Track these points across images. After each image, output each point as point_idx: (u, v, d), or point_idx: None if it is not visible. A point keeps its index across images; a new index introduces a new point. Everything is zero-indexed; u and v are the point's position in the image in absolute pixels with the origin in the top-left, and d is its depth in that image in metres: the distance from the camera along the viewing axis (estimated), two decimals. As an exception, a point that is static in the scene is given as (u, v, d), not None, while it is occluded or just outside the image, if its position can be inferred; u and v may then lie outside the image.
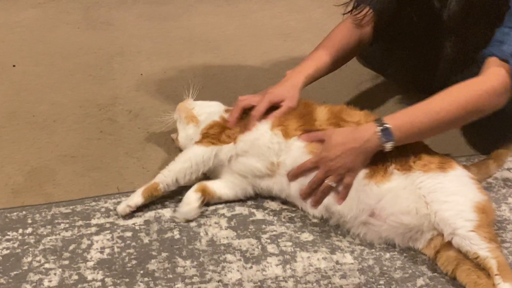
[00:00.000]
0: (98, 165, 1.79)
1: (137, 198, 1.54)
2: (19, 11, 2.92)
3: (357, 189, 1.47)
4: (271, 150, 1.54)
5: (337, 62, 1.78)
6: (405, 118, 1.47)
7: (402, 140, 1.45)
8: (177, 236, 1.50)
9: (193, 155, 1.57)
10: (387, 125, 1.44)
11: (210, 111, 1.70)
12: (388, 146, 1.45)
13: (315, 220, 1.57)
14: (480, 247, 1.32)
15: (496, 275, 1.28)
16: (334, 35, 1.79)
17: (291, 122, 1.56)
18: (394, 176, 1.45)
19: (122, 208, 1.55)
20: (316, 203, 1.52)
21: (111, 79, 2.31)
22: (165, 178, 1.55)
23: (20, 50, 2.53)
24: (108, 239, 1.49)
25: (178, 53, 2.53)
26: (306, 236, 1.52)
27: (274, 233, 1.53)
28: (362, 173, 1.47)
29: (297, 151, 1.53)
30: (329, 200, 1.50)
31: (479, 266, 1.33)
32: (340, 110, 1.58)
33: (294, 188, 1.54)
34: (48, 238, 1.49)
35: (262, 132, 1.56)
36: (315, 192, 1.51)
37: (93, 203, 1.62)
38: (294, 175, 1.53)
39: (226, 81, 2.29)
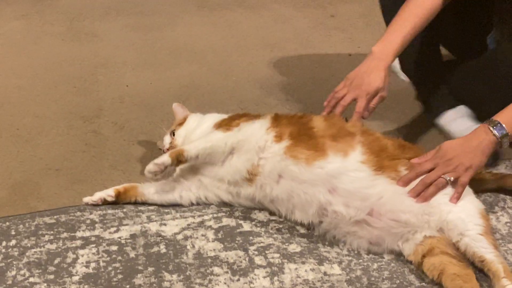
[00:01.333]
0: (83, 178, 1.79)
1: (165, 158, 1.55)
2: (2, 23, 2.92)
3: (364, 186, 1.47)
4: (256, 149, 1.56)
5: (419, 28, 1.69)
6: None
7: None
8: (164, 250, 1.50)
9: (215, 138, 1.59)
10: (496, 121, 1.48)
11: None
12: (504, 139, 1.47)
13: (302, 231, 1.57)
14: (488, 251, 1.37)
15: (503, 277, 1.33)
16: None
17: (288, 127, 1.58)
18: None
19: (150, 167, 1.55)
20: (426, 199, 1.46)
21: (95, 90, 2.31)
22: (190, 150, 1.57)
23: (2, 63, 2.52)
24: (93, 253, 1.49)
25: (163, 64, 2.54)
26: (294, 247, 1.52)
27: (261, 244, 1.53)
28: (370, 169, 1.48)
29: (276, 154, 1.54)
30: (327, 198, 1.49)
31: (466, 271, 1.37)
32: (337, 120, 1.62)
33: (280, 191, 1.54)
34: (33, 250, 1.49)
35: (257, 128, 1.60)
36: (426, 189, 1.46)
37: (78, 213, 1.61)
38: (409, 180, 1.48)
39: (212, 92, 2.30)
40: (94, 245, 1.51)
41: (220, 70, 2.49)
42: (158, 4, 3.19)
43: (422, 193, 1.46)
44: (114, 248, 1.51)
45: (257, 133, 1.58)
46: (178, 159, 1.57)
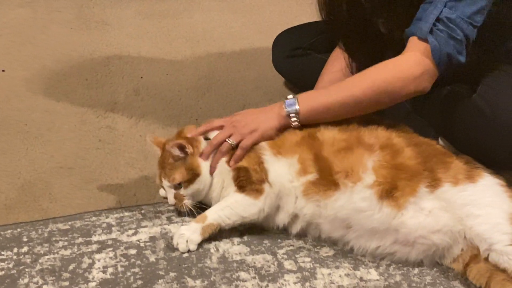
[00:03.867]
0: (97, 177, 1.80)
1: (195, 238, 1.53)
2: (6, 11, 2.94)
3: (383, 222, 1.45)
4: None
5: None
6: (313, 92, 1.63)
7: (306, 110, 1.55)
8: (186, 254, 1.51)
9: (248, 213, 1.56)
10: (294, 97, 1.56)
11: None
12: (291, 110, 1.54)
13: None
14: None
15: None
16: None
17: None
18: (423, 200, 1.44)
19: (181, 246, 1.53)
20: (214, 165, 1.57)
21: (108, 83, 2.32)
22: (223, 224, 1.55)
23: (8, 54, 2.54)
24: (110, 257, 1.50)
25: (180, 53, 2.55)
26: (326, 251, 1.52)
27: (291, 248, 1.53)
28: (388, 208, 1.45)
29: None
30: (343, 234, 1.49)
31: None
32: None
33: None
34: (46, 257, 1.50)
35: None
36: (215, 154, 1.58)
37: (94, 218, 1.62)
38: (208, 153, 1.58)
39: (234, 83, 2.30)
40: (111, 249, 1.52)
41: (241, 59, 2.49)
42: (173, -11, 3.20)
43: (213, 159, 1.58)
44: (133, 251, 1.51)
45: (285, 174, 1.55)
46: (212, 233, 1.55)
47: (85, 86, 2.30)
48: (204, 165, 1.58)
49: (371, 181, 1.45)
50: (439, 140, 1.76)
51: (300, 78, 2.15)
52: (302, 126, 1.57)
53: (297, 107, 1.55)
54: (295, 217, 1.54)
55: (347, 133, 1.54)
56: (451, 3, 1.47)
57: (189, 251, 1.51)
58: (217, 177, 1.58)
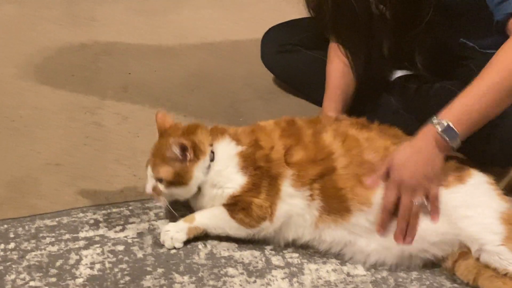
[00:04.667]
0: (85, 173, 1.80)
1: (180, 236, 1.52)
2: (-7, 7, 2.94)
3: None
4: None
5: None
6: (461, 107, 1.43)
7: (467, 131, 1.42)
8: (173, 251, 1.51)
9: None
10: (445, 122, 1.41)
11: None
12: (455, 143, 1.42)
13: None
14: (511, 262, 1.34)
15: None
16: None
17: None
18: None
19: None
20: (412, 236, 1.41)
21: (97, 79, 2.32)
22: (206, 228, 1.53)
23: (-4, 50, 2.54)
24: (98, 254, 1.50)
25: (169, 50, 2.55)
26: (314, 247, 1.53)
27: (278, 244, 1.54)
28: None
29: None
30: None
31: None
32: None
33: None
34: (33, 253, 1.50)
35: None
36: (409, 224, 1.42)
37: (81, 215, 1.63)
38: (384, 223, 1.43)
39: (223, 81, 2.30)
40: (98, 245, 1.53)
41: (231, 57, 2.50)
42: (163, -15, 3.20)
43: (408, 231, 1.41)
44: (120, 248, 1.52)
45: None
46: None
47: (73, 82, 2.30)
48: (196, 177, 1.48)
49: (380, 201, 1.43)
50: None
51: (289, 74, 2.16)
52: None
53: (456, 132, 1.41)
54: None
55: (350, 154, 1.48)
56: None
57: (175, 248, 1.51)
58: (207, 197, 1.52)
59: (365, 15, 1.64)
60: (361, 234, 1.44)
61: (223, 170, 1.49)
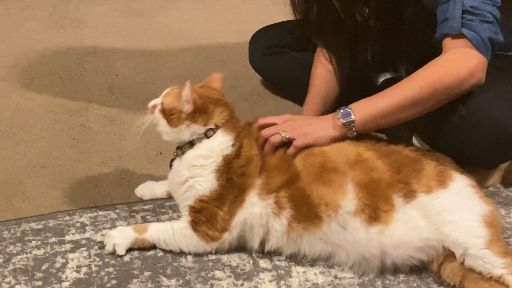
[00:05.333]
0: (71, 176, 1.79)
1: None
2: (-22, 8, 2.92)
3: (361, 245, 1.43)
4: None
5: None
6: (366, 100, 1.55)
7: (363, 118, 1.52)
8: (161, 253, 1.51)
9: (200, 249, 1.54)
10: (347, 108, 1.53)
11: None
12: (347, 120, 1.51)
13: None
14: (494, 265, 1.34)
15: None
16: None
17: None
18: (398, 214, 1.42)
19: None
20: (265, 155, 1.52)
21: (82, 81, 2.31)
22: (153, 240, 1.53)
23: (-20, 51, 2.53)
24: (84, 257, 1.50)
25: (155, 52, 2.54)
26: (301, 249, 1.53)
27: (266, 246, 1.54)
28: (364, 221, 1.43)
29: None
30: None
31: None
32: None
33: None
34: (19, 257, 1.49)
35: None
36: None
37: (67, 218, 1.62)
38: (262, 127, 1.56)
39: (209, 82, 2.30)
40: (85, 249, 1.52)
41: (217, 58, 2.50)
42: (149, -13, 3.19)
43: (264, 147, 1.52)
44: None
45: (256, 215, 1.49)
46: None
47: (59, 84, 2.29)
48: (181, 130, 1.50)
49: (353, 208, 1.43)
50: (413, 139, 1.78)
51: (277, 76, 2.17)
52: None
53: (352, 116, 1.51)
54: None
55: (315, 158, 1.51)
56: None
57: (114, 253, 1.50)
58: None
59: (350, 22, 1.67)
60: (339, 243, 1.44)
61: (205, 157, 1.49)
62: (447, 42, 1.53)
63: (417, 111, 1.53)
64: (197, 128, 1.51)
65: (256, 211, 1.47)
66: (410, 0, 1.61)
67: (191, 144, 1.51)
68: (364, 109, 1.52)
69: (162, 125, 1.52)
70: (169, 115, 1.51)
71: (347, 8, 1.65)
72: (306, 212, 1.45)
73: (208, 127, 1.51)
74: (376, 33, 1.64)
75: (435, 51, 1.55)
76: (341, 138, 1.53)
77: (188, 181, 1.49)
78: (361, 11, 1.65)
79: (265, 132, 1.54)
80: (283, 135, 1.51)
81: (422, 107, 1.52)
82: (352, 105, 1.54)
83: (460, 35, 1.50)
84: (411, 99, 1.50)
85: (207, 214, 1.47)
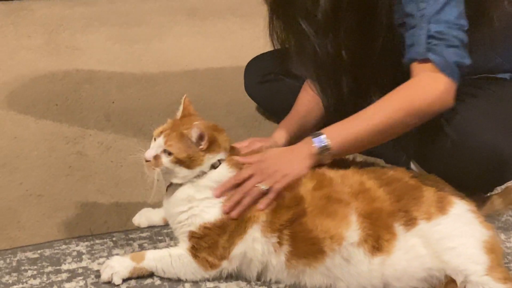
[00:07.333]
0: (67, 204, 1.79)
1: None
2: (-27, 36, 2.93)
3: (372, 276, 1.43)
4: None
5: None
6: (338, 125, 1.55)
7: (338, 143, 1.51)
8: (158, 282, 1.50)
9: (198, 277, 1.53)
10: (320, 133, 1.53)
11: None
12: (322, 146, 1.50)
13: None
14: None
15: None
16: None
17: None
18: (400, 242, 1.42)
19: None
20: (238, 212, 1.47)
21: (78, 108, 2.31)
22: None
23: (-24, 79, 2.53)
24: (81, 286, 1.48)
25: (152, 78, 2.55)
26: (301, 276, 1.52)
27: (265, 274, 1.53)
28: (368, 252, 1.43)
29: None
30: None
31: None
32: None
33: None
34: (14, 287, 1.48)
35: None
36: (243, 199, 1.49)
37: (63, 246, 1.61)
38: (225, 189, 1.50)
39: (206, 109, 2.30)
40: (81, 278, 1.51)
41: (213, 85, 2.51)
42: (145, 14, 3.22)
43: (237, 207, 1.47)
44: (104, 280, 1.51)
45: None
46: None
47: (55, 112, 2.29)
48: (204, 166, 1.49)
49: (356, 239, 1.43)
50: (411, 164, 1.78)
51: (272, 103, 2.17)
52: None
53: (327, 142, 1.51)
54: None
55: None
56: (433, 18, 1.50)
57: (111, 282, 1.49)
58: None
59: (324, 54, 1.68)
60: (341, 277, 1.44)
61: (211, 185, 1.50)
62: (415, 67, 1.54)
63: (389, 134, 1.55)
64: (213, 157, 1.50)
65: (258, 248, 1.46)
66: (381, 30, 1.62)
67: (202, 172, 1.51)
68: (339, 135, 1.53)
69: (182, 172, 1.49)
70: (188, 159, 1.48)
71: (319, 39, 1.67)
72: (308, 248, 1.44)
73: (219, 153, 1.51)
74: (349, 63, 1.65)
75: (407, 78, 1.57)
76: (317, 165, 1.53)
77: (193, 208, 1.48)
78: (332, 43, 1.67)
79: (243, 190, 1.49)
80: (261, 188, 1.48)
81: (395, 130, 1.54)
82: (325, 131, 1.54)
83: (427, 60, 1.51)
84: (385, 122, 1.51)
85: (208, 241, 1.46)
